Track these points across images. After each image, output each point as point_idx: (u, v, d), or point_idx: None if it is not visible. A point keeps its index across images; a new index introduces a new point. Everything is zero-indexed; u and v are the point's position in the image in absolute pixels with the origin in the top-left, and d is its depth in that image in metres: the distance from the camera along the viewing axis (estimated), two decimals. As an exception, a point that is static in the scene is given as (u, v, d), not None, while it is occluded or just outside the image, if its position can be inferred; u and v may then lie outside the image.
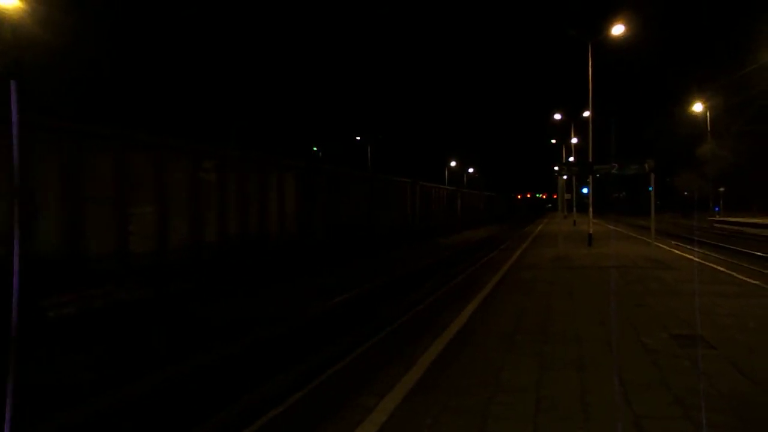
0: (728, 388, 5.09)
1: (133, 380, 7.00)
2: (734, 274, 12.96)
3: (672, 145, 57.93)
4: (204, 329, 9.74)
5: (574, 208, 49.84)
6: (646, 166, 20.96)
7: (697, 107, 49.43)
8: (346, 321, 10.63)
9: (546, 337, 7.10)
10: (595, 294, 10.62)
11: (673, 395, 4.94)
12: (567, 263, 16.11)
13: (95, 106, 28.15)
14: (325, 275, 16.11)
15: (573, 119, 46.89)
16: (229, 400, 6.38)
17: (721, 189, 55.75)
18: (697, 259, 16.48)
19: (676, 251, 19.59)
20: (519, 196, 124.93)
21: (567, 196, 51.25)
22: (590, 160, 24.74)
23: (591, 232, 23.14)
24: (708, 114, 49.78)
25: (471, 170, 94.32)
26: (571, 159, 49.05)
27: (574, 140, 49.27)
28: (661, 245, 21.53)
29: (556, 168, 31.58)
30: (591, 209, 26.11)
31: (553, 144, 63.14)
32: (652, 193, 23.02)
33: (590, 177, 26.34)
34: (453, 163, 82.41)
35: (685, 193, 66.35)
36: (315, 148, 66.75)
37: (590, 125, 25.70)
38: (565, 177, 38.95)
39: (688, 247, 21.94)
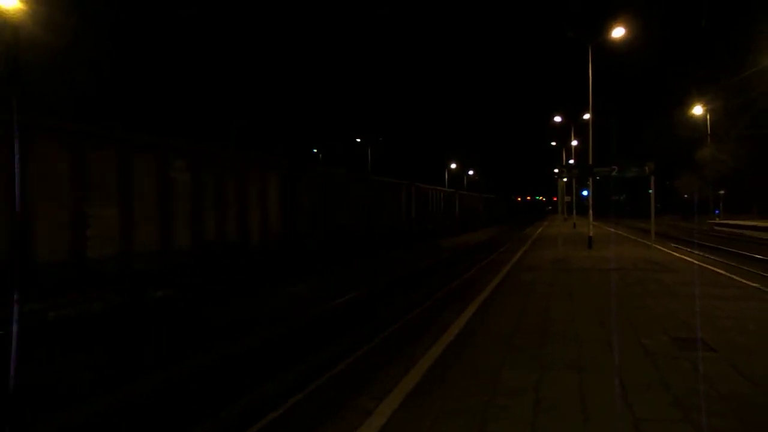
0: (728, 390, 5.08)
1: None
2: (734, 276, 12.96)
3: (672, 148, 57.95)
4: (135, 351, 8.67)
5: (574, 211, 49.84)
6: (646, 168, 20.96)
7: (697, 110, 49.48)
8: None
9: (546, 338, 7.10)
10: (594, 296, 10.60)
11: (673, 397, 4.93)
12: (567, 265, 16.10)
13: (96, 107, 28.15)
14: (309, 281, 15.50)
15: (573, 121, 46.96)
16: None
17: (721, 192, 55.78)
18: (696, 262, 16.47)
19: (676, 254, 19.59)
20: (519, 199, 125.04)
21: (567, 198, 51.30)
22: (590, 162, 24.75)
23: (591, 234, 23.14)
24: (708, 117, 49.83)
25: (471, 172, 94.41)
26: (571, 161, 49.05)
27: (574, 142, 49.34)
28: (661, 248, 21.53)
29: (556, 170, 31.56)
30: (591, 212, 26.13)
31: (553, 146, 63.22)
32: (652, 196, 23.02)
33: (590, 179, 26.35)
34: (453, 165, 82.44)
35: (685, 195, 66.36)
36: (315, 150, 66.77)
37: (590, 127, 25.72)
38: (565, 179, 38.96)
39: (688, 249, 21.96)
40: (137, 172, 11.12)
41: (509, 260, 17.95)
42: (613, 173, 21.74)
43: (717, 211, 56.29)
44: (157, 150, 11.81)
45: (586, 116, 28.82)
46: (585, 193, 46.73)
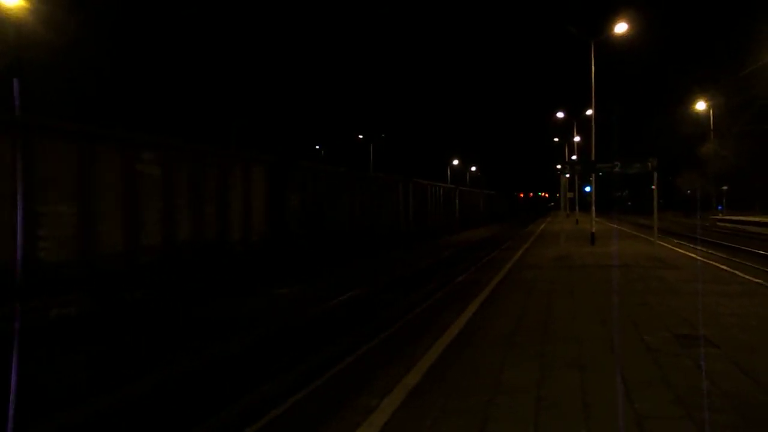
0: (730, 387, 5.06)
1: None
2: (737, 272, 12.92)
3: (674, 144, 57.85)
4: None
5: (577, 207, 49.78)
6: (649, 164, 20.88)
7: (700, 105, 49.33)
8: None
9: (547, 336, 7.08)
10: (596, 293, 10.58)
11: (675, 394, 4.91)
12: (569, 262, 16.07)
13: (97, 106, 28.15)
14: (297, 283, 14.61)
15: (575, 118, 46.81)
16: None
17: (724, 188, 55.67)
18: (699, 258, 16.43)
19: (679, 250, 19.55)
20: (521, 195, 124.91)
21: (569, 194, 51.13)
22: (593, 158, 24.71)
23: (593, 230, 23.11)
24: (710, 113, 49.69)
25: (473, 169, 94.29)
26: (574, 157, 48.98)
27: (577, 139, 49.23)
28: (663, 244, 21.47)
29: (558, 166, 31.53)
30: (593, 208, 26.08)
31: (555, 142, 63.05)
32: (655, 192, 22.95)
33: (593, 175, 26.30)
34: (456, 162, 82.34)
35: (688, 192, 66.22)
36: (318, 147, 66.73)
37: (593, 124, 25.68)
38: (567, 175, 38.83)
39: (691, 245, 21.88)
40: (100, 167, 10.33)
41: (511, 258, 17.92)
42: (616, 169, 21.66)
43: (720, 207, 56.19)
44: (123, 143, 11.01)
45: (589, 112, 28.84)
46: (587, 189, 46.62)
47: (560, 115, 48.01)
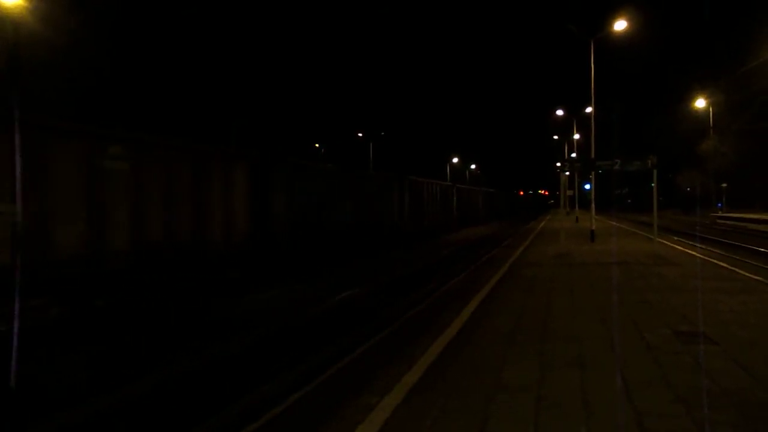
0: (730, 385, 5.06)
1: None
2: (737, 270, 12.93)
3: (674, 142, 57.83)
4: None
5: (577, 205, 49.77)
6: (649, 162, 20.87)
7: (700, 103, 49.32)
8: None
9: (547, 335, 7.08)
10: (597, 291, 10.59)
11: (675, 392, 4.92)
12: (569, 260, 16.08)
13: (98, 105, 28.15)
14: (276, 289, 13.44)
15: (575, 115, 46.79)
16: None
17: (724, 185, 55.65)
18: (699, 255, 16.44)
19: (679, 247, 19.56)
20: (521, 193, 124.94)
21: (569, 192, 51.14)
22: (592, 156, 24.72)
23: (593, 228, 23.12)
24: (710, 110, 49.67)
25: (473, 167, 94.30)
26: (574, 155, 48.96)
27: (576, 136, 49.20)
28: (663, 241, 21.47)
29: (558, 164, 31.53)
30: (593, 206, 26.09)
31: (555, 140, 63.03)
32: (655, 190, 22.95)
33: (592, 173, 26.31)
34: (455, 160, 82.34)
35: (688, 189, 66.22)
36: (317, 145, 66.69)
37: (592, 121, 25.68)
38: (567, 173, 38.87)
39: (691, 243, 21.90)
40: (59, 163, 9.56)
41: (510, 255, 17.91)
42: (616, 167, 21.68)
43: (720, 205, 56.15)
44: (85, 138, 10.13)
45: (588, 110, 28.81)
46: (587, 186, 46.59)
47: (560, 112, 48.07)
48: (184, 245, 12.27)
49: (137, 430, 6.04)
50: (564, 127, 53.71)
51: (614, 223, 38.57)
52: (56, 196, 9.56)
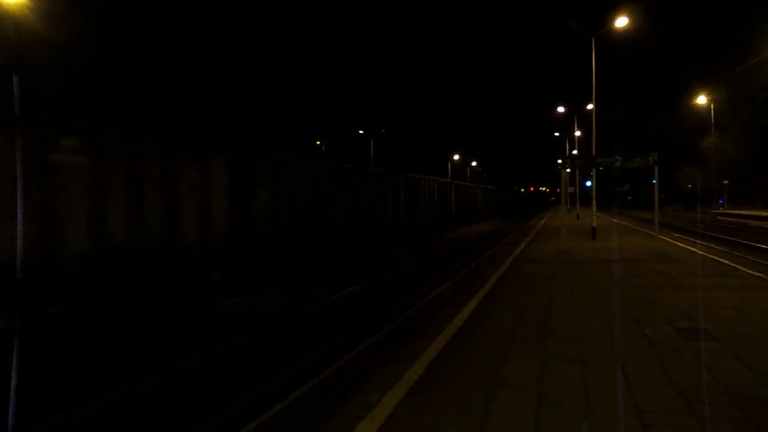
0: (731, 381, 5.06)
1: None
2: (738, 266, 12.93)
3: (675, 139, 57.80)
4: None
5: (578, 202, 49.76)
6: (650, 159, 20.92)
7: (701, 100, 49.27)
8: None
9: (548, 331, 7.08)
10: (597, 288, 10.58)
11: (676, 389, 4.92)
12: (570, 257, 16.07)
13: (99, 104, 28.13)
14: (257, 293, 12.69)
15: (576, 112, 46.79)
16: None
17: (725, 182, 55.63)
18: (700, 252, 16.43)
19: (680, 244, 19.55)
20: (522, 190, 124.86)
21: (570, 189, 51.20)
22: (593, 153, 24.72)
23: (594, 225, 23.11)
24: (711, 107, 49.63)
25: (474, 164, 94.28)
26: (575, 152, 48.95)
27: (578, 133, 49.20)
28: (664, 238, 21.49)
29: (559, 161, 31.48)
30: (594, 202, 26.09)
31: (556, 137, 62.99)
32: (656, 186, 22.97)
33: (593, 170, 26.30)
34: (456, 157, 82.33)
35: (689, 186, 66.19)
36: (318, 142, 66.70)
37: (593, 118, 25.65)
38: (568, 170, 38.95)
39: (692, 240, 21.90)
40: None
41: (511, 253, 17.90)
42: (617, 164, 21.74)
43: (721, 201, 56.14)
44: (33, 128, 9.19)
45: (590, 107, 28.79)
46: (588, 183, 46.58)
47: (561, 109, 48.02)
48: (153, 245, 11.30)
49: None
50: (565, 124, 53.75)
51: (615, 220, 38.57)
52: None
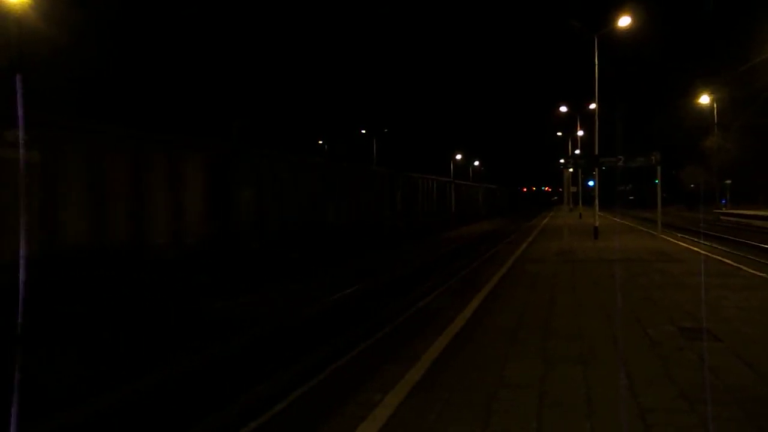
0: (734, 381, 5.05)
1: None
2: (741, 266, 12.89)
3: (677, 138, 57.72)
4: None
5: (580, 201, 49.71)
6: (653, 158, 20.93)
7: (704, 99, 49.17)
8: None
9: (550, 331, 7.07)
10: (600, 287, 10.57)
11: (679, 388, 4.90)
12: (572, 257, 16.05)
13: (99, 103, 28.17)
14: (236, 298, 11.95)
15: (578, 112, 46.68)
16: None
17: (728, 181, 55.52)
18: (703, 252, 16.39)
19: (682, 244, 19.51)
20: (524, 189, 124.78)
21: (573, 189, 51.09)
22: (596, 152, 24.70)
23: (597, 225, 23.08)
24: (714, 106, 49.53)
25: (477, 163, 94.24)
26: (577, 152, 48.88)
27: (580, 133, 49.09)
28: (667, 238, 21.46)
29: (561, 161, 31.44)
30: (597, 202, 26.07)
31: (558, 137, 62.93)
32: (658, 186, 22.93)
33: (596, 170, 26.30)
34: (459, 157, 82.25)
35: (691, 186, 66.10)
36: (321, 142, 66.68)
37: (596, 118, 25.64)
38: (570, 170, 38.87)
39: (694, 239, 21.87)
40: None
41: (513, 252, 17.88)
42: (619, 163, 21.74)
43: (723, 201, 56.01)
44: None
45: (592, 106, 28.75)
46: (591, 183, 46.51)
47: (563, 109, 47.93)
48: (117, 247, 10.53)
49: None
50: (567, 123, 53.61)
51: (618, 220, 38.52)
52: None
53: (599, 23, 25.15)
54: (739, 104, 48.06)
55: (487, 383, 5.13)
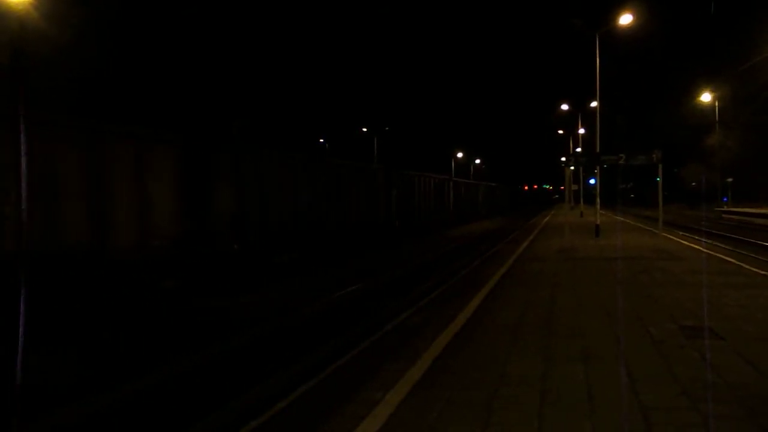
0: (736, 379, 5.04)
1: None
2: (742, 264, 12.88)
3: (678, 136, 57.67)
4: None
5: (581, 200, 49.65)
6: (654, 156, 20.92)
7: (705, 97, 49.11)
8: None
9: (551, 329, 7.06)
10: (601, 285, 10.56)
11: (680, 386, 4.90)
12: (573, 255, 16.03)
13: (100, 102, 28.15)
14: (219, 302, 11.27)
15: (580, 110, 46.63)
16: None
17: (730, 179, 55.48)
18: (704, 250, 16.39)
19: (684, 242, 19.50)
20: (526, 187, 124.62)
21: (574, 187, 51.00)
22: (597, 150, 24.68)
23: (598, 223, 23.06)
24: (716, 104, 49.48)
25: (478, 161, 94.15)
26: (579, 150, 48.84)
27: (581, 131, 49.07)
28: (668, 236, 21.45)
29: (563, 159, 31.40)
30: (598, 200, 26.05)
31: (560, 135, 62.89)
32: (660, 184, 22.92)
33: (597, 168, 26.29)
34: (460, 155, 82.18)
35: (693, 184, 66.07)
36: (321, 140, 66.65)
37: (597, 116, 25.61)
38: (572, 168, 38.81)
39: (696, 237, 21.84)
40: None
41: (514, 251, 17.86)
42: (621, 161, 21.71)
43: (725, 199, 55.97)
44: None
45: (593, 104, 28.70)
46: (592, 181, 46.48)
47: (565, 107, 47.92)
48: (71, 249, 9.68)
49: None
50: (569, 121, 53.57)
51: (619, 218, 38.49)
52: None
53: (601, 21, 25.14)
54: (740, 102, 48.06)
55: (487, 382, 5.13)
